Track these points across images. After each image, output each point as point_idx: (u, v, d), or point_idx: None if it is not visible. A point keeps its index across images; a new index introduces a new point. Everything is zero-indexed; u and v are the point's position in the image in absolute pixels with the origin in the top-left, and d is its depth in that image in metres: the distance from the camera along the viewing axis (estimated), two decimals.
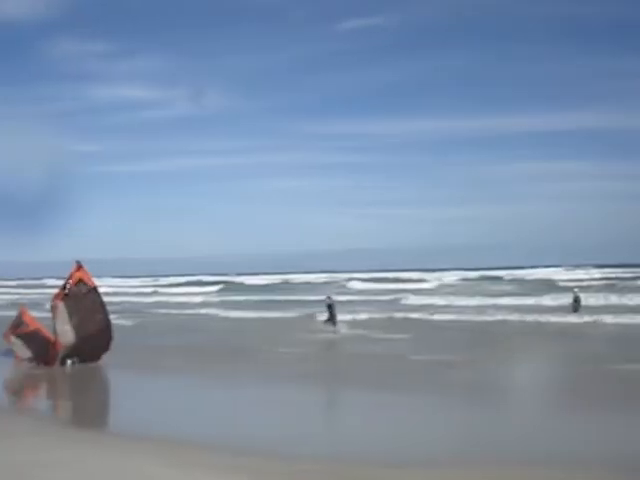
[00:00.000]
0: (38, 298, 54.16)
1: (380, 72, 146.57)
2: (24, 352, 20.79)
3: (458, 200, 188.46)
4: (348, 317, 31.60)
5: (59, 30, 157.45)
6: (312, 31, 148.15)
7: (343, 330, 27.79)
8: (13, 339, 21.15)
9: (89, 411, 14.85)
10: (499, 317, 32.28)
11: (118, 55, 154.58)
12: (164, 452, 9.75)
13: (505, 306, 37.63)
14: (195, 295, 57.38)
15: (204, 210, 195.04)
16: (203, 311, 41.14)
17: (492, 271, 72.15)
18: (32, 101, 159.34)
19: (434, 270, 79.34)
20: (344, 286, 62.59)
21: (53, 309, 19.94)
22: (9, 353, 21.17)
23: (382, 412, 13.29)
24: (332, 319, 28.75)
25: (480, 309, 36.73)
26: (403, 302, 43.97)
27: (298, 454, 9.72)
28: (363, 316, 33.37)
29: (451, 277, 67.61)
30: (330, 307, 29.14)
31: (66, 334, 19.56)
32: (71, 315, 19.62)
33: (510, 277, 65.36)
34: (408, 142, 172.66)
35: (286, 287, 64.12)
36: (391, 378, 17.44)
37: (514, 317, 31.69)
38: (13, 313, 32.42)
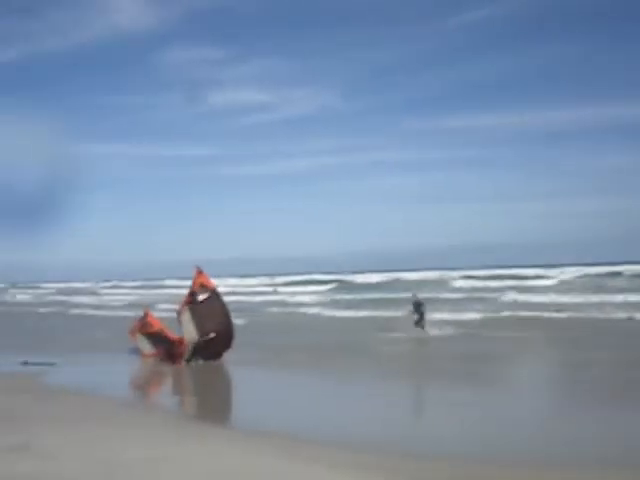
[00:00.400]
0: (157, 299, 57.12)
1: (487, 65, 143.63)
2: (149, 349, 21.93)
3: (574, 193, 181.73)
4: (452, 316, 31.06)
5: (171, 40, 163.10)
6: (422, 28, 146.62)
7: (434, 331, 26.49)
8: (139, 337, 22.34)
9: (213, 406, 15.26)
10: (620, 315, 30.94)
11: (230, 60, 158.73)
12: (285, 448, 9.89)
13: (628, 303, 35.77)
14: (308, 294, 58.03)
15: (319, 210, 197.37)
16: (313, 310, 41.26)
17: (611, 267, 68.89)
18: (147, 109, 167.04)
19: (553, 266, 76.54)
20: (451, 284, 61.57)
21: (179, 314, 20.85)
22: (135, 351, 22.28)
23: (501, 411, 13.14)
24: (419, 319, 27.12)
25: (599, 306, 35.29)
26: (517, 299, 42.62)
27: (418, 451, 9.77)
28: (472, 315, 32.57)
29: (570, 273, 65.09)
30: (417, 306, 27.48)
31: (191, 333, 20.41)
32: (195, 317, 20.44)
33: (630, 273, 62.18)
34: (516, 134, 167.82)
35: (397, 285, 63.75)
36: (504, 378, 17.26)
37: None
38: (131, 313, 34.36)
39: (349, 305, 43.18)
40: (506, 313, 33.46)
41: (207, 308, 20.80)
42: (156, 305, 48.42)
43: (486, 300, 43.06)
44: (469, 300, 43.34)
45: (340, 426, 11.99)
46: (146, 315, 23.15)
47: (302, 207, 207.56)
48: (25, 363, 20.12)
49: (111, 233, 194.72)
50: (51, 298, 74.33)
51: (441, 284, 60.13)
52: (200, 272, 21.30)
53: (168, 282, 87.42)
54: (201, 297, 21.06)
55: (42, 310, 53.87)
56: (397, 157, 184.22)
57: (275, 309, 43.91)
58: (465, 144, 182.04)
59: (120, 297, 68.67)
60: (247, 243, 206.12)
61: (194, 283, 21.20)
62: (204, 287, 21.15)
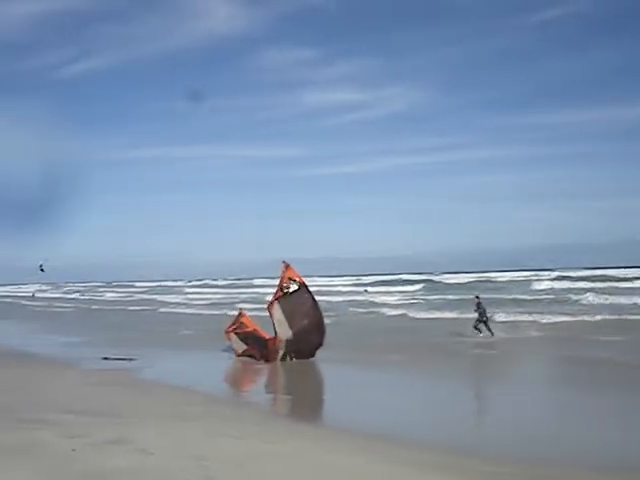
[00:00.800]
0: (239, 298, 58.14)
1: (575, 60, 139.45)
2: (242, 347, 22.01)
3: None
4: (535, 318, 30.18)
5: (264, 42, 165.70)
6: (512, 22, 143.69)
7: (499, 334, 25.46)
8: (233, 337, 22.50)
9: (306, 405, 15.21)
10: None
11: (322, 60, 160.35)
12: (377, 449, 9.73)
13: None
14: (395, 294, 57.33)
15: (409, 209, 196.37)
16: (397, 312, 40.39)
17: None
18: (244, 111, 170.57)
19: None
20: (539, 285, 59.27)
21: (270, 308, 21.10)
22: (227, 349, 22.43)
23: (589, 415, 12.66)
24: (481, 321, 26.02)
25: None
26: (609, 301, 40.45)
27: (515, 455, 9.50)
28: (555, 318, 31.24)
29: None
30: (479, 307, 26.39)
31: (283, 329, 20.57)
32: (286, 312, 20.65)
33: None
34: (609, 130, 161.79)
35: (488, 286, 62.43)
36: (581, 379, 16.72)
37: None
38: (215, 312, 34.68)
39: (435, 306, 42.39)
40: (596, 317, 31.65)
41: (297, 302, 20.90)
42: (235, 305, 49.49)
43: (570, 301, 41.58)
44: (555, 302, 41.99)
45: (431, 428, 11.76)
46: (240, 315, 23.37)
47: (393, 206, 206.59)
48: (105, 358, 20.75)
49: (202, 232, 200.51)
50: (139, 297, 76.73)
51: (528, 285, 58.32)
52: (288, 266, 21.46)
53: (256, 281, 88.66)
54: (290, 290, 21.10)
55: (132, 308, 55.47)
56: (489, 154, 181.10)
57: (359, 309, 43.51)
58: (558, 140, 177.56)
59: (206, 296, 70.09)
60: (338, 243, 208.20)
61: (282, 277, 21.28)
62: (293, 281, 21.21)
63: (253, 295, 61.45)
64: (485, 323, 26.09)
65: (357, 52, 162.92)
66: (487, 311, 26.61)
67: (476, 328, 25.95)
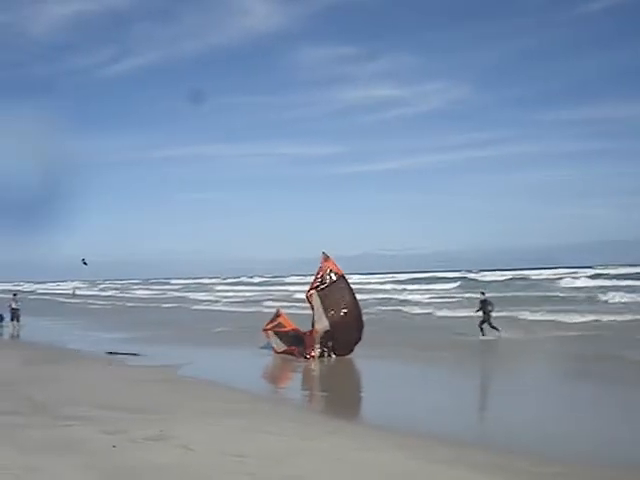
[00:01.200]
0: (267, 296, 58.42)
1: (619, 54, 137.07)
2: (281, 346, 22.00)
3: None
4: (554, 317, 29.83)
5: (301, 39, 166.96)
6: (553, 17, 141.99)
7: (504, 333, 24.42)
8: (272, 335, 22.50)
9: (344, 402, 15.16)
10: None
11: (363, 57, 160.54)
12: (421, 448, 9.66)
13: None
14: (430, 292, 56.62)
15: (448, 205, 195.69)
16: (426, 310, 39.78)
17: None
18: (281, 109, 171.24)
19: None
20: (565, 282, 57.98)
21: (308, 298, 21.14)
22: (267, 346, 22.45)
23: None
24: (486, 319, 24.73)
25: None
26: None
27: (562, 454, 9.36)
28: (581, 317, 30.24)
29: None
30: (483, 305, 25.05)
31: (321, 320, 20.60)
32: (324, 302, 20.68)
33: None
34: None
35: (523, 283, 61.64)
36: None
37: None
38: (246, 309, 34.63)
39: (466, 304, 41.73)
40: (625, 316, 30.57)
41: (335, 293, 20.89)
42: (263, 302, 50.20)
43: (599, 300, 40.82)
44: (585, 300, 41.30)
45: (473, 426, 11.72)
46: (278, 315, 23.41)
47: (431, 203, 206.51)
48: (110, 353, 21.28)
49: (240, 230, 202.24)
50: (173, 294, 77.45)
51: (560, 282, 57.31)
52: (327, 258, 21.45)
53: (290, 279, 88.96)
54: (329, 281, 21.05)
55: (165, 306, 55.97)
56: (529, 150, 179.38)
57: (385, 307, 42.53)
58: (601, 135, 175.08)
59: (237, 293, 70.87)
60: (375, 240, 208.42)
61: (322, 268, 21.27)
62: (332, 272, 21.20)
63: (285, 293, 61.96)
64: (489, 322, 24.79)
65: (395, 49, 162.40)
66: (484, 310, 25.04)
67: (483, 325, 24.79)
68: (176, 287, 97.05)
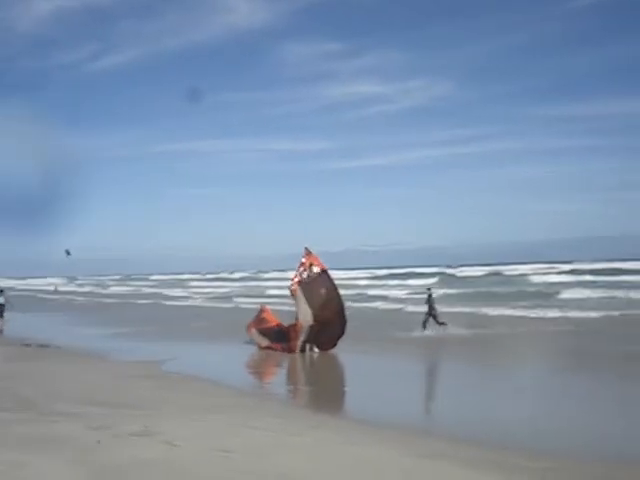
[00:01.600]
0: (239, 291, 58.44)
1: (609, 50, 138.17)
2: (264, 341, 22.07)
3: None
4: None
5: (286, 35, 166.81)
6: (537, 14, 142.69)
7: (447, 330, 24.73)
8: (254, 332, 22.53)
9: (327, 396, 15.22)
10: None
11: (346, 53, 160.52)
12: (407, 442, 9.68)
13: None
14: (405, 288, 56.57)
15: (431, 201, 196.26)
16: (394, 306, 40.31)
17: None
18: (268, 105, 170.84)
19: None
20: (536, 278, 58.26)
21: (292, 292, 21.18)
22: (251, 341, 22.53)
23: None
24: (431, 315, 25.35)
25: None
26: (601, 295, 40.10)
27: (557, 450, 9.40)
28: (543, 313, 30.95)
29: None
30: (429, 301, 25.68)
31: (305, 314, 20.67)
32: (307, 297, 20.76)
33: None
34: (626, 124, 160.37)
35: (496, 279, 61.28)
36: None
37: None
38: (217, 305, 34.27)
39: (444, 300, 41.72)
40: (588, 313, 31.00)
41: (318, 287, 20.96)
42: (233, 298, 51.10)
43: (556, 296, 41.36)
44: (546, 295, 41.87)
45: (459, 421, 11.68)
46: (262, 311, 23.45)
47: (415, 198, 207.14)
48: (26, 345, 22.01)
49: (227, 226, 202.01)
50: (148, 291, 77.42)
51: (537, 278, 57.63)
52: (310, 253, 21.54)
53: (269, 275, 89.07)
54: (311, 276, 21.15)
55: (140, 302, 56.08)
56: (513, 146, 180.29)
57: (355, 304, 42.42)
58: (587, 132, 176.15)
59: (210, 290, 71.20)
60: (360, 235, 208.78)
61: (304, 263, 21.34)
62: (314, 266, 21.28)
63: (259, 289, 62.89)
64: (434, 317, 25.36)
65: (379, 45, 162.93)
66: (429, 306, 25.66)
67: (430, 319, 25.27)
68: (152, 283, 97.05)
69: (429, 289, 26.94)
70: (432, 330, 24.96)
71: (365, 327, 26.34)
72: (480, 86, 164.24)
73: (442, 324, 25.13)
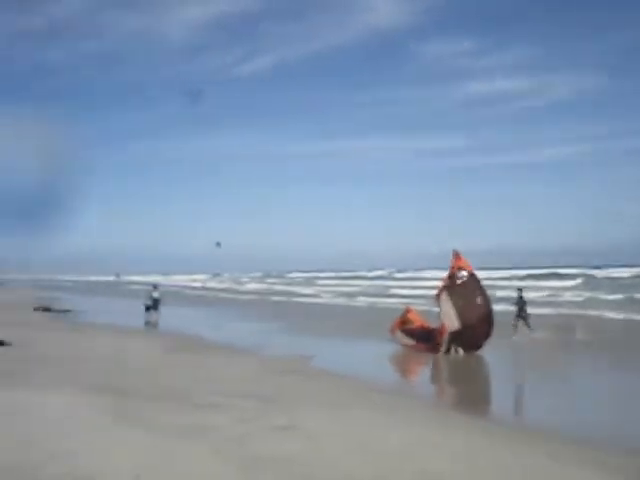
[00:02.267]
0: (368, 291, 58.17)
1: None
2: (409, 341, 22.03)
3: None
4: None
5: (425, 34, 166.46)
6: None
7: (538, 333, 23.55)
8: (398, 333, 22.56)
9: (473, 398, 14.94)
10: None
11: (486, 49, 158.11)
12: (553, 447, 9.36)
13: None
14: (551, 290, 53.25)
15: (575, 198, 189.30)
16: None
17: None
18: (411, 102, 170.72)
19: None
20: None
21: (437, 297, 20.97)
22: (392, 340, 22.53)
23: None
24: (521, 317, 24.41)
25: None
26: None
27: None
28: None
29: None
30: (519, 302, 24.71)
31: (451, 319, 20.36)
32: (454, 300, 20.44)
33: None
34: None
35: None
36: None
37: None
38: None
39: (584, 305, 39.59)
40: None
41: (466, 292, 20.62)
42: (356, 297, 51.32)
43: None
44: None
45: (612, 427, 11.14)
46: (407, 312, 23.38)
47: (565, 195, 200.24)
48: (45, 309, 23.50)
49: (371, 223, 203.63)
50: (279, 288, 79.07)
51: None
52: (458, 255, 21.24)
53: (406, 274, 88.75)
54: (459, 279, 20.85)
55: (274, 299, 57.19)
56: None
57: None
58: None
59: (338, 288, 71.54)
60: (501, 234, 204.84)
61: (452, 267, 21.10)
62: (462, 270, 20.96)
63: (382, 288, 63.03)
64: (525, 319, 24.47)
65: (518, 41, 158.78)
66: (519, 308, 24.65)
67: (516, 324, 24.38)
68: (287, 281, 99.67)
69: (520, 289, 25.94)
70: (518, 335, 23.99)
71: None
72: (626, 79, 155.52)
73: (530, 328, 24.29)
